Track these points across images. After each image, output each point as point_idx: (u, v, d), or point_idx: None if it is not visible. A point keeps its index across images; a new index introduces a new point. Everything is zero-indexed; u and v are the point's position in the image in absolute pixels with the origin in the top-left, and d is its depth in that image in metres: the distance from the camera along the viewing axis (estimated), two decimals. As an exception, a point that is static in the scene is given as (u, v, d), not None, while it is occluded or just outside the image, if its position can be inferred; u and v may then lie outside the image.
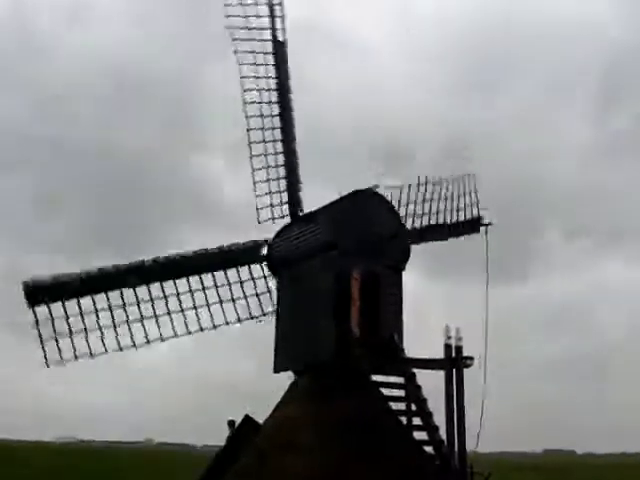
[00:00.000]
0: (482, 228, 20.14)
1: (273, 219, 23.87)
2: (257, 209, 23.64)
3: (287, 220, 24.00)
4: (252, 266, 23.27)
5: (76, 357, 20.66)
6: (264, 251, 23.33)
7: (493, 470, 20.75)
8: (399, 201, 24.29)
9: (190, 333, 21.99)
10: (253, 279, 23.23)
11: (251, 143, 23.56)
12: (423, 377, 20.62)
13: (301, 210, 24.06)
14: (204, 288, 22.35)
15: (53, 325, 20.52)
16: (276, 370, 22.61)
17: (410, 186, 24.83)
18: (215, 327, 22.34)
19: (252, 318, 23.02)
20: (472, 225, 26.04)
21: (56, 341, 20.51)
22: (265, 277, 23.39)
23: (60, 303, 20.77)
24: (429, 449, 19.68)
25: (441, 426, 19.52)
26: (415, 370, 20.55)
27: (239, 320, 22.75)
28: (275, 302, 23.27)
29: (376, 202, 22.06)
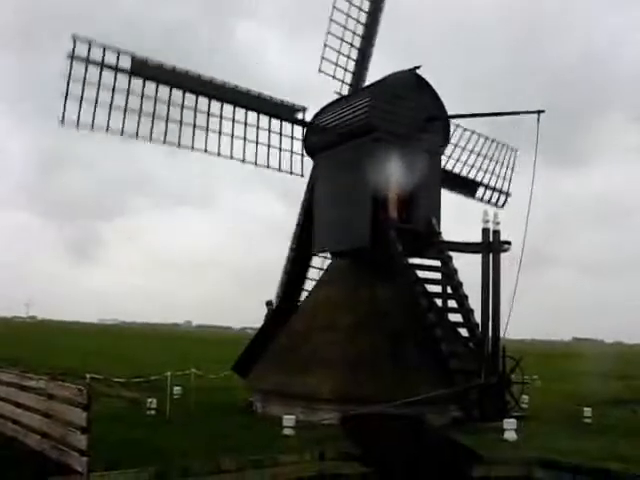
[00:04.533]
0: (534, 115, 19.52)
1: (333, 76, 23.22)
2: (322, 58, 22.85)
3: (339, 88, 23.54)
4: (287, 124, 22.55)
5: (93, 126, 19.13)
6: (300, 116, 22.83)
7: (524, 355, 21.00)
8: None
9: (232, 158, 21.44)
10: (292, 137, 22.60)
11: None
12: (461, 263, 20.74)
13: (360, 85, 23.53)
14: (247, 123, 21.48)
15: (84, 83, 18.84)
16: (314, 251, 22.79)
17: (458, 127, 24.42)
18: (256, 164, 21.63)
19: (291, 173, 22.47)
20: (497, 196, 26.33)
21: (80, 101, 18.79)
22: (296, 139, 22.76)
23: (98, 68, 19.19)
24: (464, 331, 19.96)
25: (476, 310, 19.75)
26: (452, 254, 20.62)
27: (280, 169, 22.33)
28: (312, 184, 23.22)
29: (417, 85, 21.49)
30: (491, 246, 19.41)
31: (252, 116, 21.72)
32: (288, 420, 15.97)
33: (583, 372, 46.57)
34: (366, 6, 23.57)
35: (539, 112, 19.20)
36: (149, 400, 19.48)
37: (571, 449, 14.59)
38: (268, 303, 23.39)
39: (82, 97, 18.80)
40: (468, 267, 20.84)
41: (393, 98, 20.96)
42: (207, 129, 20.74)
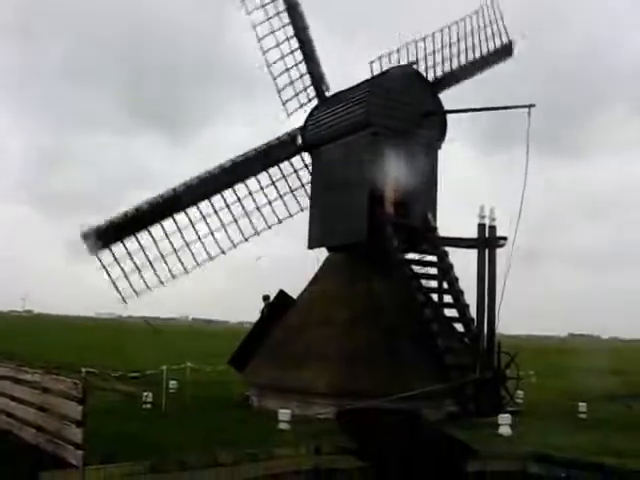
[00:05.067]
0: (525, 109, 19.54)
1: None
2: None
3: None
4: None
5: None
6: (299, 140, 23.06)
7: (519, 351, 21.05)
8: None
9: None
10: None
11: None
12: (456, 257, 20.75)
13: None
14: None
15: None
16: (310, 246, 22.80)
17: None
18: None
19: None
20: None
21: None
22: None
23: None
24: (459, 326, 20.00)
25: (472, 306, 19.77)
26: (448, 249, 20.65)
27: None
28: (310, 182, 23.29)
29: (412, 79, 21.50)
30: (487, 241, 19.43)
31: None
32: (284, 414, 16.00)
33: (578, 368, 46.72)
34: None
35: (530, 106, 19.27)
36: (145, 394, 19.48)
37: (566, 444, 14.64)
38: (265, 298, 23.40)
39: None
40: (465, 262, 20.89)
41: (390, 93, 20.94)
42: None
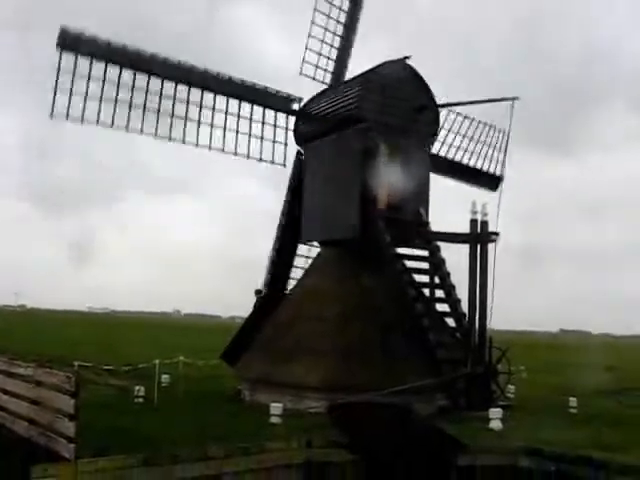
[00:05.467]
0: (509, 102, 19.71)
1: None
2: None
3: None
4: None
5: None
6: (294, 106, 22.90)
7: (511, 346, 21.14)
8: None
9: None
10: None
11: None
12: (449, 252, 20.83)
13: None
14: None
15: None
16: (302, 240, 22.84)
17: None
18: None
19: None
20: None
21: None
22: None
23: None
24: (451, 321, 20.07)
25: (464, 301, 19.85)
26: (440, 244, 20.73)
27: (260, 159, 21.97)
28: (297, 173, 23.32)
29: (406, 74, 21.53)
30: (479, 237, 19.50)
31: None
32: (275, 408, 16.06)
33: (569, 363, 46.92)
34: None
35: (513, 99, 19.44)
36: (137, 388, 19.52)
37: (556, 438, 14.72)
38: (257, 292, 23.45)
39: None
40: (457, 257, 20.95)
41: (383, 88, 20.98)
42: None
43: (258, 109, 21.75)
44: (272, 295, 22.93)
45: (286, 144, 22.49)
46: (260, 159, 21.94)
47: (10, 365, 14.06)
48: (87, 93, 18.95)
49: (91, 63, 19.01)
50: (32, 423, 12.30)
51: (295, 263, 23.98)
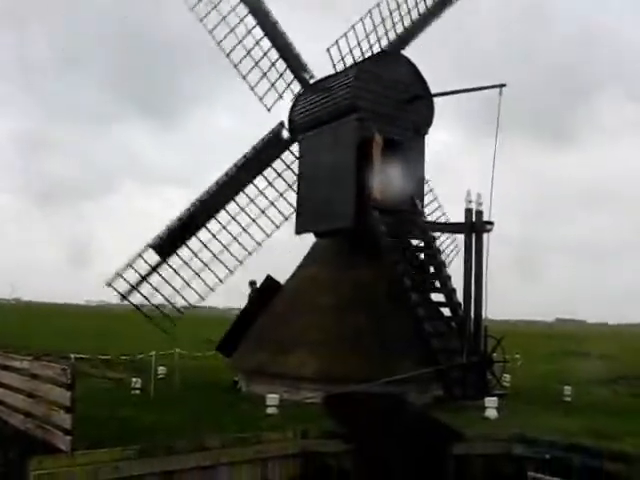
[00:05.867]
0: (497, 89, 19.72)
1: (280, 96, 23.37)
2: (260, 100, 23.10)
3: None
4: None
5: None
6: (284, 134, 23.16)
7: (506, 335, 21.20)
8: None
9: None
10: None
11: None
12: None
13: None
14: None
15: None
16: (297, 232, 22.87)
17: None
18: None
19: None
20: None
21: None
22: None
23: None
24: (446, 311, 20.12)
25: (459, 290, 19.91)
26: (435, 234, 20.77)
27: (252, 88, 22.88)
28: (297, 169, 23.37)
29: (400, 64, 21.53)
30: (474, 226, 19.54)
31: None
32: (271, 399, 16.12)
33: (564, 352, 47.07)
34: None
35: (501, 86, 19.41)
36: (133, 380, 19.58)
37: (551, 426, 14.78)
38: (252, 283, 23.49)
39: None
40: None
41: (377, 78, 20.98)
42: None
43: (282, 63, 23.18)
44: (267, 286, 22.95)
45: (281, 97, 23.41)
46: (252, 88, 22.86)
47: (5, 358, 14.08)
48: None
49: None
50: (28, 416, 12.32)
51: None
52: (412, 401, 16.51)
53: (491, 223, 19.37)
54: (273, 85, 23.15)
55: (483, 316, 19.56)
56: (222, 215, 22.77)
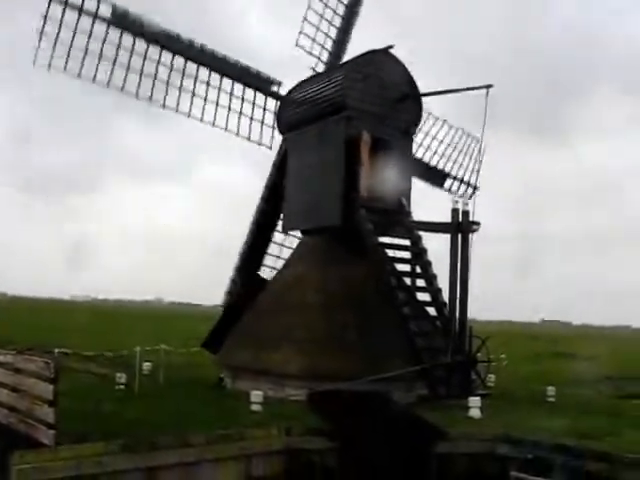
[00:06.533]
0: (484, 90, 19.81)
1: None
2: (259, 145, 23.21)
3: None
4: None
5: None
6: (275, 89, 23.12)
7: (492, 336, 21.28)
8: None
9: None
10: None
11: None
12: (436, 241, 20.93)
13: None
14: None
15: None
16: (284, 229, 22.86)
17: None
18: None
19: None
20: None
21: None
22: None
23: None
24: (432, 310, 20.17)
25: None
26: (422, 233, 20.82)
27: (249, 139, 22.91)
28: (279, 160, 23.41)
29: (390, 64, 21.55)
30: (460, 226, 19.59)
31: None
32: (256, 396, 16.11)
33: (549, 353, 47.30)
34: None
35: (487, 87, 19.50)
36: (118, 375, 19.53)
37: (534, 426, 14.90)
38: (233, 280, 23.51)
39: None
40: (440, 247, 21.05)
41: (366, 76, 20.99)
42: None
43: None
44: (253, 283, 22.95)
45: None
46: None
47: (-11, 352, 14.01)
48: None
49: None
50: (11, 410, 12.29)
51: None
52: (397, 399, 16.57)
53: (477, 223, 19.43)
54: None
55: (468, 316, 19.62)
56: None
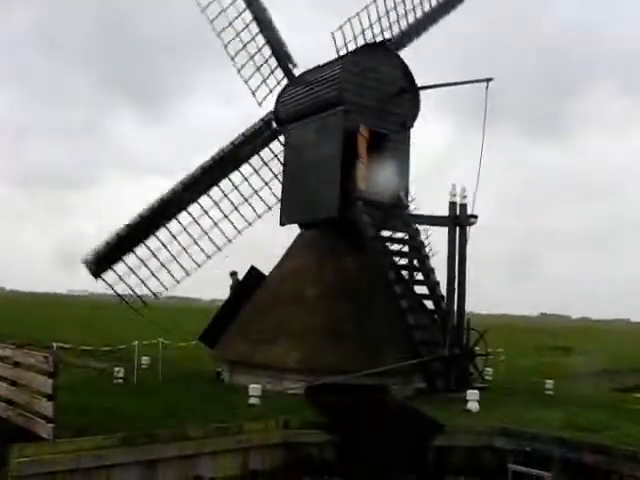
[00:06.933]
0: (484, 83, 19.73)
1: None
2: (253, 94, 23.16)
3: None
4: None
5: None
6: (290, 66, 23.19)
7: (490, 329, 21.30)
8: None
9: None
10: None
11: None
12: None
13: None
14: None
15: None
16: (282, 223, 22.88)
17: None
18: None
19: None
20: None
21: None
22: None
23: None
24: (429, 304, 20.20)
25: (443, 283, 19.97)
26: (420, 227, 20.85)
27: (246, 81, 23.06)
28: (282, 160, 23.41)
29: (386, 57, 21.54)
30: (458, 219, 19.58)
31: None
32: (254, 389, 16.12)
33: (548, 346, 47.41)
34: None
35: (488, 80, 19.44)
36: (116, 369, 19.56)
37: (531, 419, 14.94)
38: (232, 274, 23.50)
39: None
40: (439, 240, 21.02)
41: (363, 70, 20.95)
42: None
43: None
44: (251, 277, 22.96)
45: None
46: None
47: (-12, 346, 14.04)
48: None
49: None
50: (10, 403, 12.34)
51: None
52: (394, 393, 16.64)
53: (475, 216, 19.43)
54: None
55: (466, 309, 19.65)
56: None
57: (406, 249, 21.09)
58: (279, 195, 23.09)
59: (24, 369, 12.04)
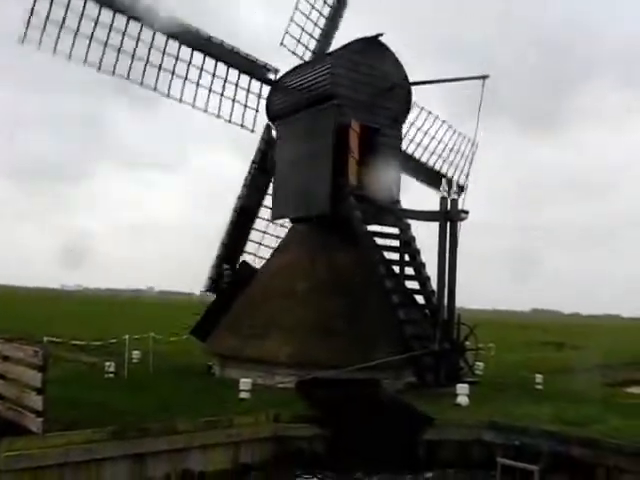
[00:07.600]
0: (480, 80, 19.77)
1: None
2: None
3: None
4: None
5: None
6: (270, 76, 23.09)
7: (481, 324, 21.31)
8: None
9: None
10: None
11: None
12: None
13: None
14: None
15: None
16: (274, 217, 22.87)
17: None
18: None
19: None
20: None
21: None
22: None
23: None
24: (420, 298, 20.24)
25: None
26: (410, 221, 20.87)
27: (230, 120, 22.69)
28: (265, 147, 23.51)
29: (379, 52, 21.51)
30: (448, 214, 19.60)
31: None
32: (245, 383, 16.15)
33: (538, 341, 47.56)
34: None
35: (484, 77, 19.46)
36: (107, 364, 19.55)
37: (521, 414, 15.02)
38: (226, 269, 23.50)
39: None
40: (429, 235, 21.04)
41: (355, 65, 20.95)
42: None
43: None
44: (243, 271, 22.97)
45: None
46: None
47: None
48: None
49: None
50: (0, 398, 12.32)
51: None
52: (385, 387, 16.69)
53: (466, 212, 19.46)
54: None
55: (456, 304, 19.68)
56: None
57: (397, 244, 21.10)
58: (240, 121, 22.98)
59: (13, 363, 12.02)
